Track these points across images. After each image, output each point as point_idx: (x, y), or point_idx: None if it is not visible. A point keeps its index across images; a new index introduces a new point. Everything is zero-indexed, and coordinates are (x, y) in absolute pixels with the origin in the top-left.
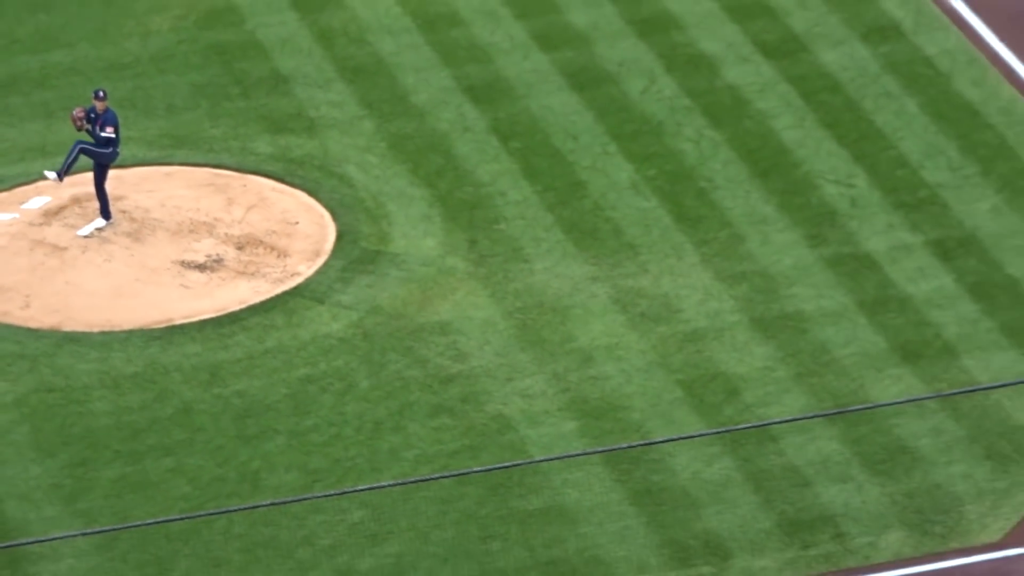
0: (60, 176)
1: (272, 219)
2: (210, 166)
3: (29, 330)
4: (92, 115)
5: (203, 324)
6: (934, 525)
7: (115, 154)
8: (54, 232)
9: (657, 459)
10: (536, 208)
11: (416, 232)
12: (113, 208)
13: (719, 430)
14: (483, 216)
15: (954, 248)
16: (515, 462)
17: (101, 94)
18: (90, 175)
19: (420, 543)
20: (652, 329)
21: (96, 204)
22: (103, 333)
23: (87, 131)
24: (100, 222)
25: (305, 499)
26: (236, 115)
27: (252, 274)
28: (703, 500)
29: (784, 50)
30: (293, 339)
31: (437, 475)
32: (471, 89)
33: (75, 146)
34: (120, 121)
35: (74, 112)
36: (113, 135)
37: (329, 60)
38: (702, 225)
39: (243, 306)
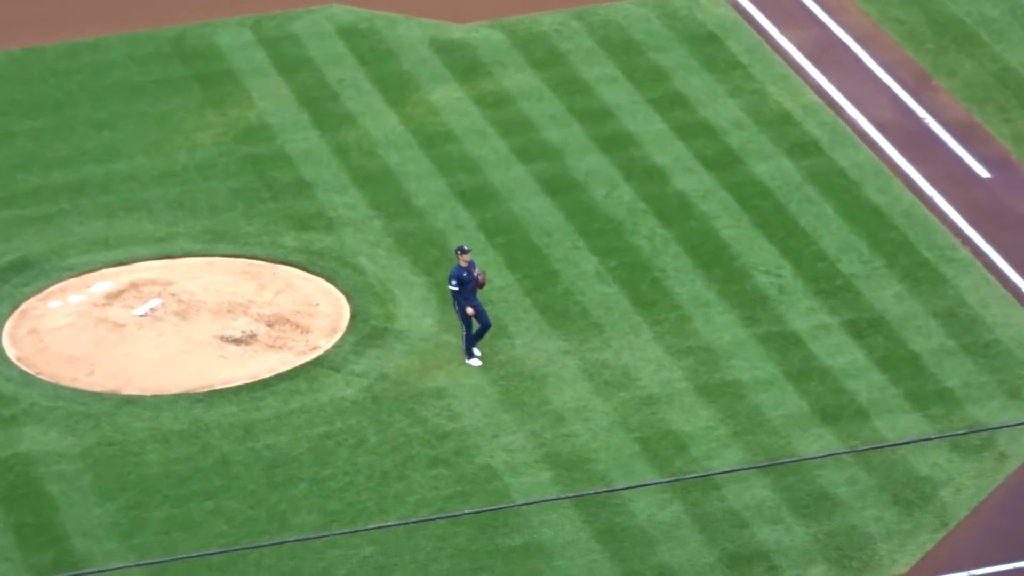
0: (471, 354)
1: (297, 301)
2: (245, 257)
3: (93, 393)
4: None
5: (239, 389)
6: (851, 560)
7: (462, 303)
8: (114, 311)
9: (619, 504)
10: (517, 293)
11: (417, 312)
12: (163, 292)
13: (670, 479)
14: None
15: (865, 328)
16: (500, 505)
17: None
18: (144, 264)
19: (420, 575)
20: (614, 394)
21: (152, 288)
22: (155, 396)
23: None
24: (155, 302)
25: (324, 536)
26: (267, 215)
27: (280, 347)
28: (657, 538)
29: (722, 163)
30: (314, 402)
31: (434, 516)
32: (463, 194)
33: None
34: (462, 273)
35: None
36: (455, 287)
37: (344, 169)
38: (655, 308)
39: (272, 374)
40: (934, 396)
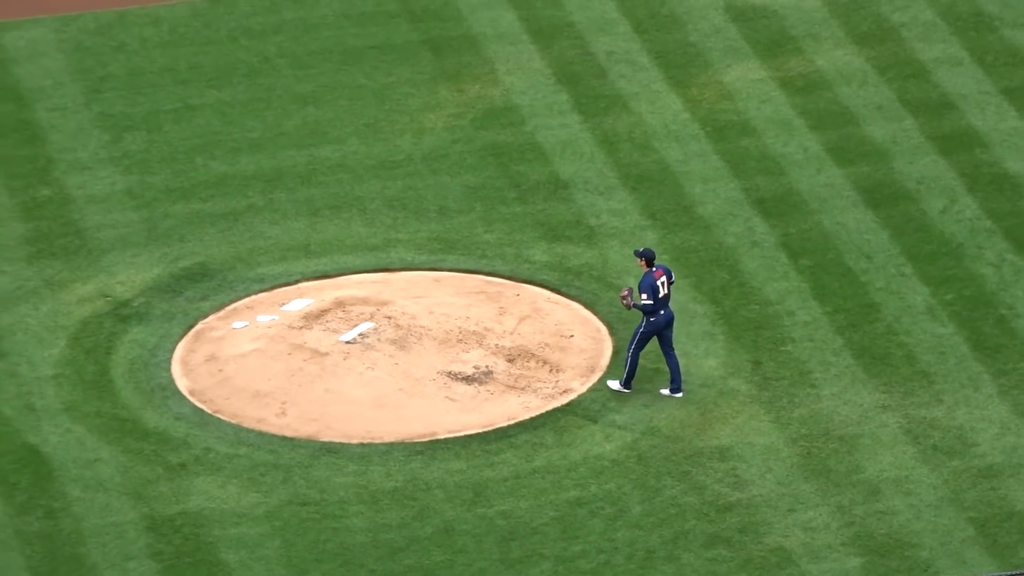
0: (626, 385)
1: (546, 331)
2: (482, 273)
3: (284, 439)
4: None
5: (468, 439)
6: None
7: (660, 319)
8: (315, 336)
9: None
10: (825, 330)
11: (697, 350)
12: (377, 314)
13: (1013, 573)
14: (769, 336)
15: None
16: None
17: (639, 253)
18: (354, 278)
19: None
20: (944, 463)
21: (361, 310)
22: (362, 445)
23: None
24: (365, 327)
25: None
26: (511, 220)
27: (522, 388)
28: None
29: None
30: (563, 459)
31: None
32: (761, 202)
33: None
34: (661, 278)
35: (622, 292)
36: (649, 300)
37: (612, 166)
38: (1001, 355)
39: (511, 422)
40: None
